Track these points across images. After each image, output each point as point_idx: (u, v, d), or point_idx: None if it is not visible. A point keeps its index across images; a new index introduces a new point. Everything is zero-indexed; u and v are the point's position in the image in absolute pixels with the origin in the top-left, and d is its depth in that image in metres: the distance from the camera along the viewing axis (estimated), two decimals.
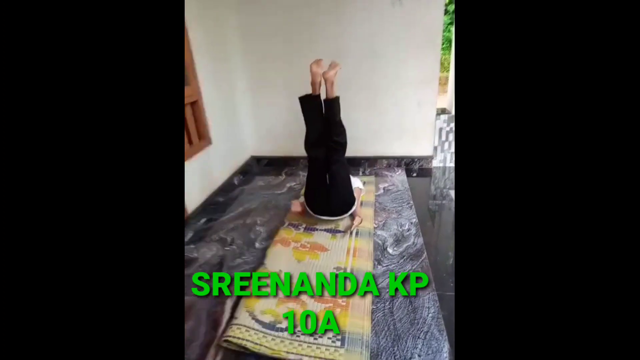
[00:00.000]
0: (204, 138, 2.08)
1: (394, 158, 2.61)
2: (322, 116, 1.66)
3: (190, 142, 1.98)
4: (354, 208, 1.83)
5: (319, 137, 1.68)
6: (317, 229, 1.77)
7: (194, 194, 1.96)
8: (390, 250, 1.58)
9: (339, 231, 1.74)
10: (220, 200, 2.17)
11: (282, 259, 1.52)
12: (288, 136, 2.65)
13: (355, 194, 1.81)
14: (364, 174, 2.52)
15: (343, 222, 1.81)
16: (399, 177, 2.43)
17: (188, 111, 1.93)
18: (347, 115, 2.39)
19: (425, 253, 1.54)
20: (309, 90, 1.65)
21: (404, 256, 1.53)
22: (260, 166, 2.81)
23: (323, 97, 1.64)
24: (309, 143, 1.71)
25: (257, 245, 1.69)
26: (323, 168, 1.69)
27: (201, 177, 2.04)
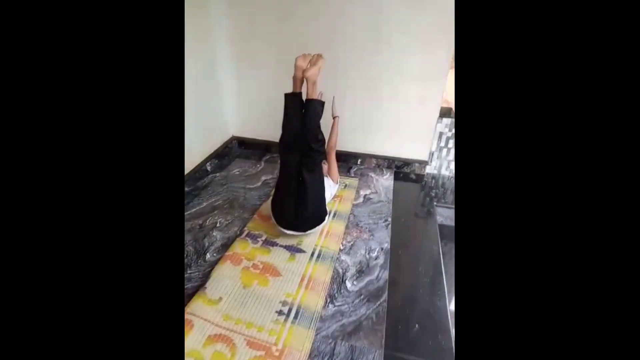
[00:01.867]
0: None
1: (384, 158, 2.35)
2: (301, 118, 1.42)
3: None
4: (323, 224, 1.65)
5: (294, 140, 1.45)
6: (277, 244, 1.61)
7: None
8: (348, 284, 1.42)
9: (301, 250, 1.58)
10: (185, 191, 2.00)
11: (226, 282, 1.38)
12: (272, 117, 2.38)
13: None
14: (348, 173, 2.29)
15: (308, 238, 1.64)
16: (385, 182, 2.20)
17: None
18: (341, 104, 2.14)
19: (386, 294, 1.38)
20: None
21: (361, 294, 1.37)
22: (241, 149, 2.59)
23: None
24: (282, 145, 1.48)
25: (207, 256, 1.55)
26: (295, 176, 1.49)
27: None
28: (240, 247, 1.58)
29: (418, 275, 1.50)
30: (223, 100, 2.34)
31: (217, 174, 2.22)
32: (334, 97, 1.96)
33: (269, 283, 1.40)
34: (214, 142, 2.35)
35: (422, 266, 1.55)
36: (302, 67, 1.34)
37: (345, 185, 2.12)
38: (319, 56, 1.39)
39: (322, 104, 1.40)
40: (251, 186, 2.10)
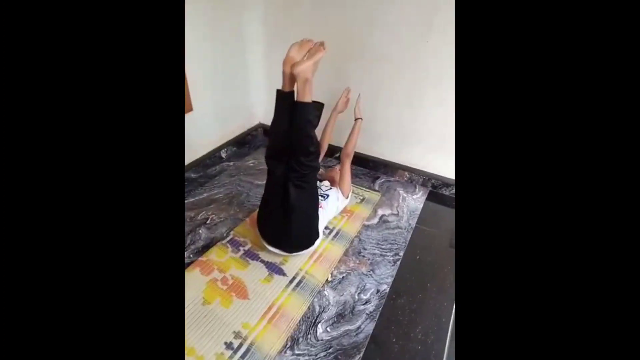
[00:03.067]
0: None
1: (420, 173, 1.96)
2: (289, 123, 1.15)
3: None
4: (312, 249, 1.40)
5: (281, 149, 1.20)
6: (258, 258, 1.42)
7: None
8: (320, 329, 1.17)
9: (281, 272, 1.36)
10: (191, 177, 1.91)
11: (187, 294, 1.24)
12: None
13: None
14: (372, 185, 1.97)
15: (295, 259, 1.41)
16: (413, 202, 1.83)
17: None
18: (372, 104, 1.81)
19: (361, 356, 1.09)
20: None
21: (330, 348, 1.11)
22: (266, 138, 2.42)
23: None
24: (267, 150, 1.26)
25: (186, 254, 1.42)
26: (280, 190, 1.25)
27: None
28: (216, 254, 1.42)
29: (414, 338, 1.17)
30: (249, 83, 2.17)
31: (231, 163, 2.09)
32: (359, 95, 1.64)
33: (232, 305, 1.21)
34: (235, 127, 2.22)
35: (423, 328, 1.21)
36: (292, 60, 1.05)
37: (363, 200, 1.81)
38: (320, 46, 1.08)
39: (319, 107, 1.11)
40: (259, 182, 1.92)
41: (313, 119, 1.09)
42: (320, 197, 1.54)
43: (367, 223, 1.67)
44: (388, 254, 1.49)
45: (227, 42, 1.88)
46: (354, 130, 1.63)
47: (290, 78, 1.08)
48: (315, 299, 1.27)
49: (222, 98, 1.98)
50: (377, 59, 1.74)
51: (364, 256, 1.47)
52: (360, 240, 1.56)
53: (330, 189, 1.62)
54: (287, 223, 1.27)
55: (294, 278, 1.34)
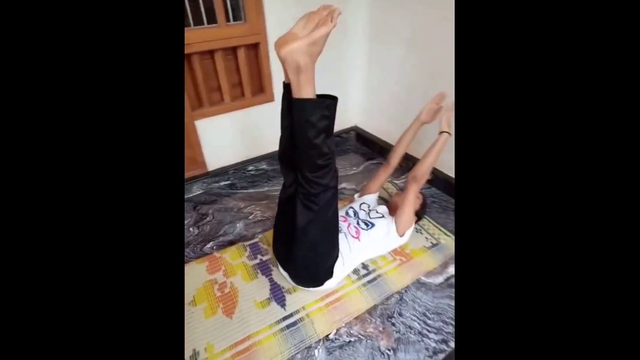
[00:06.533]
0: (261, 92, 1.72)
1: None
2: (288, 126, 0.87)
3: (242, 94, 1.69)
4: (323, 288, 1.10)
5: (283, 151, 0.94)
6: (270, 274, 1.22)
7: (222, 152, 1.76)
8: None
9: (281, 302, 1.11)
10: (263, 168, 1.86)
11: (186, 287, 1.17)
12: (394, 111, 1.81)
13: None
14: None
15: (304, 292, 1.14)
16: None
17: (242, 57, 1.58)
18: None
19: None
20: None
21: None
22: (358, 143, 2.15)
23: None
24: (278, 153, 0.99)
25: (207, 246, 1.37)
26: (289, 205, 0.98)
27: (242, 136, 1.78)
28: (232, 255, 1.30)
29: None
30: (346, 81, 1.95)
31: None
32: (451, 100, 1.17)
33: (212, 317, 1.07)
34: None
35: None
36: (282, 42, 0.69)
37: (434, 245, 1.32)
38: (327, 17, 0.69)
39: (329, 105, 0.77)
40: None
41: (317, 121, 0.76)
42: (363, 225, 1.19)
43: (425, 279, 1.19)
44: (431, 335, 1.00)
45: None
46: (434, 146, 1.18)
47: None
48: (299, 355, 0.96)
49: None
50: None
51: (393, 324, 1.04)
52: (402, 300, 1.12)
53: (382, 217, 1.23)
54: (291, 247, 1.01)
55: (290, 315, 1.07)
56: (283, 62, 0.71)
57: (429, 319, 1.05)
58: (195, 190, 1.70)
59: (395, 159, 1.36)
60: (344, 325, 1.04)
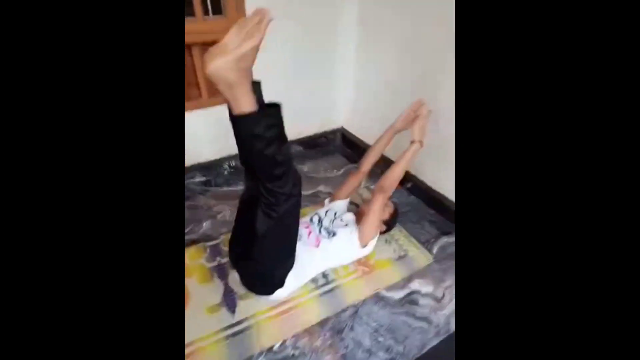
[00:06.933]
0: None
1: None
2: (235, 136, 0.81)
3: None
4: (272, 298, 1.06)
5: (243, 161, 0.89)
6: (226, 278, 1.18)
7: (198, 147, 1.72)
8: None
9: (232, 308, 1.08)
10: (236, 166, 1.82)
11: None
12: (383, 113, 1.75)
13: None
14: (427, 243, 1.35)
15: (258, 299, 1.10)
16: None
17: None
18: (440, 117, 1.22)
19: None
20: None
21: None
22: (343, 145, 2.10)
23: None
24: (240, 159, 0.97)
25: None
26: (246, 205, 0.97)
27: (219, 133, 1.73)
28: (190, 255, 1.27)
29: None
30: (334, 80, 1.88)
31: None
32: (428, 109, 1.11)
33: None
34: (308, 126, 2.00)
35: None
36: (209, 58, 0.62)
37: (401, 257, 1.27)
38: (257, 25, 0.62)
39: (272, 113, 0.72)
40: (306, 193, 1.65)
41: (264, 132, 0.71)
42: (325, 233, 1.15)
43: (385, 293, 1.14)
44: (379, 353, 0.96)
45: (316, 25, 1.65)
46: (403, 156, 1.12)
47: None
48: None
49: (297, 90, 1.79)
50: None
51: (342, 339, 0.99)
52: (356, 314, 1.07)
53: (346, 226, 1.18)
54: (246, 250, 0.97)
55: (238, 323, 1.03)
56: (211, 79, 0.66)
57: (381, 335, 1.00)
58: None
59: (366, 165, 1.31)
60: (290, 337, 1.00)
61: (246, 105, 0.69)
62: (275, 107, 0.73)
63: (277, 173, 0.79)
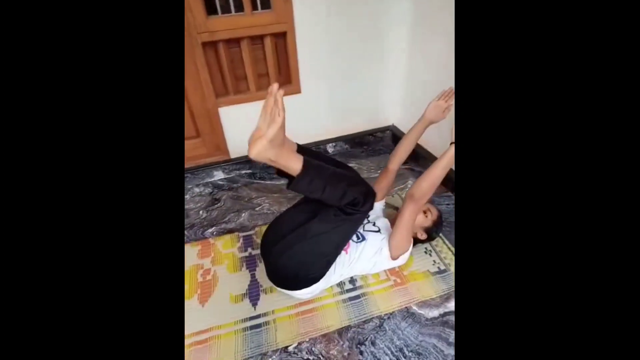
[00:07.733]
0: (288, 83, 1.68)
1: None
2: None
3: (268, 84, 1.67)
4: (295, 294, 1.03)
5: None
6: (255, 269, 1.19)
7: (246, 140, 1.76)
8: None
9: (254, 301, 1.08)
10: None
11: None
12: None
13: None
14: None
15: (279, 295, 1.08)
16: None
17: (268, 46, 1.55)
18: None
19: None
20: None
21: None
22: (393, 144, 1.97)
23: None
24: None
25: (207, 231, 1.40)
26: (314, 206, 0.98)
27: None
28: (224, 244, 1.30)
29: None
30: (383, 75, 1.78)
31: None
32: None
33: (185, 303, 1.08)
34: (355, 123, 1.92)
35: None
36: (250, 144, 0.73)
37: (440, 271, 1.13)
38: (276, 110, 0.70)
39: (311, 168, 0.82)
40: None
41: (316, 190, 0.84)
42: (354, 237, 1.08)
43: (416, 309, 1.02)
44: None
45: (361, 18, 1.58)
46: (440, 160, 0.97)
47: None
48: None
49: (343, 86, 1.74)
50: None
51: (361, 352, 0.92)
52: (381, 327, 0.98)
53: (378, 232, 1.09)
54: (288, 241, 0.95)
55: (257, 317, 1.02)
56: (257, 161, 0.75)
57: (405, 357, 0.90)
58: (216, 176, 1.76)
59: (394, 163, 1.20)
60: (307, 340, 0.95)
61: (295, 166, 0.79)
62: (307, 158, 0.81)
63: (344, 202, 0.88)
